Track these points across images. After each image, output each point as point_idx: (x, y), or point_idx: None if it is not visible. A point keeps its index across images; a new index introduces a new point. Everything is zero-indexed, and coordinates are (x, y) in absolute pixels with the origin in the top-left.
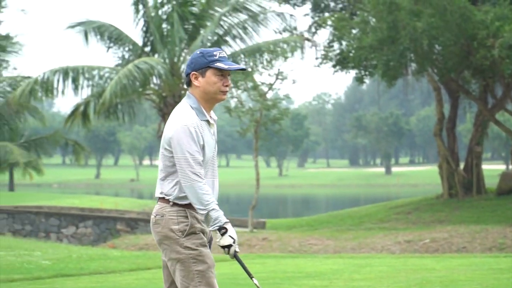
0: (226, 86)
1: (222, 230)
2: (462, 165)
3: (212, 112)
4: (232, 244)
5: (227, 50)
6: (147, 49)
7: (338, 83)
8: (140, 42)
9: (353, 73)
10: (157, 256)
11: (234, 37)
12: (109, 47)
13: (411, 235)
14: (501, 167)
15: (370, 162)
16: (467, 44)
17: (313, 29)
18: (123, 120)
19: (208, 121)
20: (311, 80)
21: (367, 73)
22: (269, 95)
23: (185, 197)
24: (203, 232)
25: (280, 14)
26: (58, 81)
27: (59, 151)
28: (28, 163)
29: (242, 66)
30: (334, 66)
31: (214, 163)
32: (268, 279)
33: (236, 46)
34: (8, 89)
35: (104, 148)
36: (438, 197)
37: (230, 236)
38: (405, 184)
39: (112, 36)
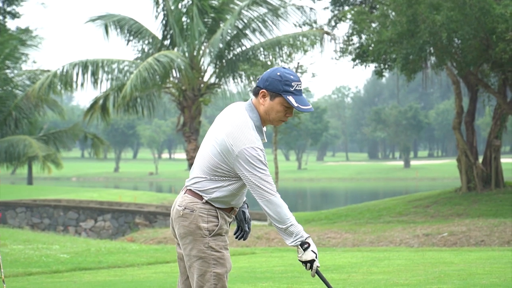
0: (288, 117)
1: (305, 245)
2: (480, 159)
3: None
4: (315, 259)
5: (246, 44)
6: (167, 42)
7: (358, 77)
8: (159, 36)
9: (372, 66)
10: (175, 250)
11: (253, 31)
12: (128, 41)
13: (430, 228)
14: None
15: (389, 156)
16: (486, 37)
17: (332, 23)
18: (142, 113)
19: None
20: (330, 73)
21: (386, 66)
22: None
23: (222, 202)
24: (227, 232)
25: (300, 8)
26: (77, 74)
27: (78, 145)
28: (47, 157)
29: (311, 108)
30: (353, 59)
31: None
32: (286, 273)
33: (255, 39)
34: (28, 82)
35: (123, 142)
36: (457, 191)
37: (312, 251)
38: (423, 177)
39: (132, 29)
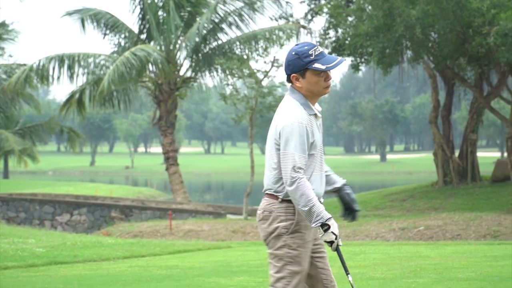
0: (329, 80)
1: (325, 227)
2: (457, 153)
3: (316, 104)
4: (334, 240)
5: (222, 38)
6: (143, 36)
7: (334, 71)
8: (136, 30)
9: (348, 60)
10: (151, 244)
11: (230, 25)
12: (105, 34)
13: (406, 222)
14: (496, 154)
15: (365, 150)
16: (463, 31)
17: (309, 17)
18: (118, 107)
19: (315, 115)
20: None
21: (362, 60)
22: (265, 82)
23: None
24: (308, 228)
25: (276, 1)
26: (53, 68)
27: (54, 139)
28: (23, 151)
29: (340, 59)
30: (330, 53)
31: (322, 156)
32: (262, 266)
33: (232, 33)
34: (4, 76)
35: (99, 136)
36: (433, 185)
37: (332, 232)
38: (400, 171)
39: (108, 23)
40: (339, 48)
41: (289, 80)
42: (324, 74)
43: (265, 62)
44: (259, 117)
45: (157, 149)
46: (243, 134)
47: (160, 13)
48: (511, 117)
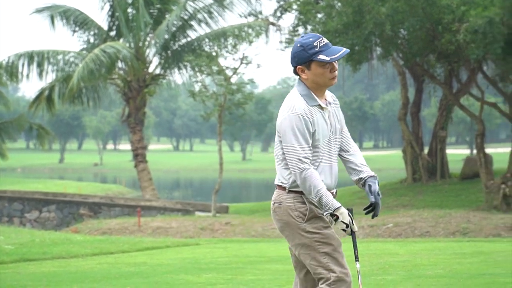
0: (334, 71)
1: (334, 217)
2: (426, 150)
3: (328, 94)
4: (345, 229)
5: (192, 35)
6: (113, 33)
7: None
8: (105, 27)
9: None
10: (119, 241)
11: (199, 22)
12: (74, 31)
13: (375, 219)
14: (466, 151)
15: None
16: (433, 28)
17: (278, 13)
18: (87, 104)
19: (319, 106)
20: (275, 64)
21: None
22: (234, 79)
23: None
24: (321, 213)
25: None
26: (23, 65)
27: (23, 136)
28: None
29: (345, 50)
30: None
31: (331, 147)
32: (230, 264)
33: (201, 30)
34: None
35: (68, 133)
36: (402, 182)
37: (342, 221)
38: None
39: (78, 20)
40: None
41: (295, 72)
42: (329, 65)
43: (234, 59)
44: (228, 114)
45: (126, 146)
46: (212, 131)
47: (129, 10)
48: (480, 114)
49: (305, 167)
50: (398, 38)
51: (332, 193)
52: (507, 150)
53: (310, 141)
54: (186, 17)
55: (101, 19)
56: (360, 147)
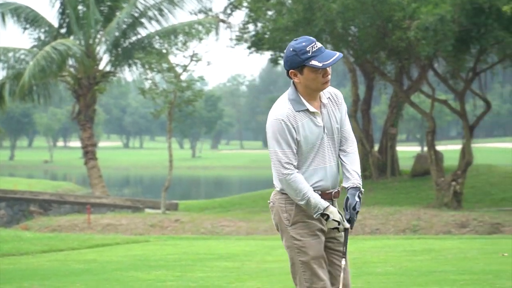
0: (327, 76)
1: (325, 217)
2: (376, 147)
3: (325, 94)
4: (338, 226)
5: (142, 32)
6: (63, 31)
7: (253, 65)
8: (56, 24)
9: (268, 54)
10: (69, 238)
11: (149, 19)
12: (25, 29)
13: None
14: (416, 149)
15: None
16: (383, 25)
17: (228, 11)
18: (38, 101)
19: (307, 110)
20: (225, 61)
21: (282, 54)
22: (184, 76)
23: None
24: (313, 218)
25: None
26: None
27: None
28: None
29: (338, 55)
30: (249, 47)
31: (325, 149)
32: (180, 261)
33: (151, 28)
34: None
35: (18, 130)
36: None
37: (333, 220)
38: None
39: (29, 17)
40: (258, 42)
41: (288, 76)
42: (322, 71)
43: (184, 56)
44: (178, 111)
45: (76, 143)
46: (162, 128)
47: (80, 7)
48: (431, 111)
49: (288, 173)
50: (348, 35)
51: (330, 192)
52: (458, 147)
53: (294, 146)
54: (136, 15)
55: (52, 16)
56: None
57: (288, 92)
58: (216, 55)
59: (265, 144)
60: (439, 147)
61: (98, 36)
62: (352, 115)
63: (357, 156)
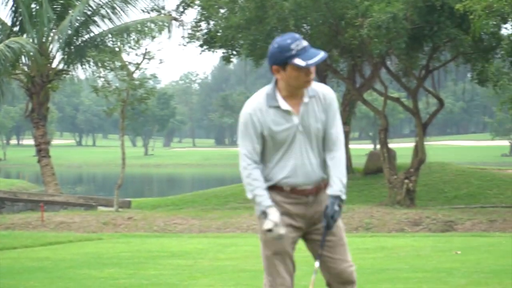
0: (310, 74)
1: (264, 215)
2: None
3: (308, 92)
4: (272, 228)
5: (95, 30)
6: (16, 29)
7: (206, 63)
8: (9, 22)
9: (220, 52)
10: (22, 236)
11: (102, 17)
12: None
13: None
14: (369, 146)
15: (236, 142)
16: (336, 23)
17: (181, 9)
18: None
19: (278, 107)
20: (178, 59)
21: (234, 52)
22: (136, 74)
23: (265, 179)
24: (282, 214)
25: None
26: None
27: None
28: None
29: (322, 55)
30: (201, 45)
31: (295, 147)
32: (133, 259)
33: (104, 26)
34: None
35: None
36: None
37: (270, 220)
38: None
39: None
40: (210, 40)
41: (271, 71)
42: (305, 69)
43: (136, 54)
44: (131, 109)
45: (29, 141)
46: (115, 126)
47: (33, 5)
48: (384, 109)
49: (244, 166)
50: (301, 33)
51: (304, 190)
52: (411, 145)
53: (256, 141)
54: (89, 13)
55: (5, 14)
56: None
57: (268, 86)
58: (169, 53)
59: (218, 142)
60: (392, 145)
61: (51, 34)
62: None
63: (342, 161)
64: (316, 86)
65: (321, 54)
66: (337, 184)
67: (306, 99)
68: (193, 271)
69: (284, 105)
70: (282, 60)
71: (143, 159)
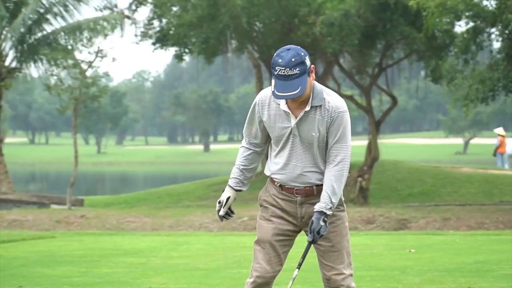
0: (293, 100)
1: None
2: None
3: (314, 102)
4: (217, 205)
5: (47, 28)
6: None
7: (158, 61)
8: None
9: (172, 50)
10: None
11: (55, 15)
12: None
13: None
14: None
15: (188, 140)
16: (288, 21)
17: (133, 7)
18: None
19: (279, 105)
20: (130, 58)
21: (186, 50)
22: (89, 73)
23: (266, 169)
24: (274, 205)
25: None
26: None
27: None
28: None
29: (292, 94)
30: (154, 43)
31: (289, 148)
32: (86, 257)
33: (57, 24)
34: None
35: None
36: (257, 174)
37: (219, 200)
38: (223, 161)
39: None
40: (163, 38)
41: None
42: None
43: (89, 52)
44: (83, 107)
45: None
46: (67, 125)
47: None
48: None
49: (241, 144)
50: (253, 31)
51: (292, 188)
52: (364, 143)
53: (257, 126)
54: (42, 11)
55: None
56: (215, 140)
57: None
58: (121, 51)
59: (171, 140)
60: None
61: (4, 32)
62: None
63: (338, 178)
64: (330, 97)
65: (294, 92)
66: (325, 200)
67: (308, 108)
68: (146, 269)
69: (284, 105)
70: (272, 71)
71: (96, 157)
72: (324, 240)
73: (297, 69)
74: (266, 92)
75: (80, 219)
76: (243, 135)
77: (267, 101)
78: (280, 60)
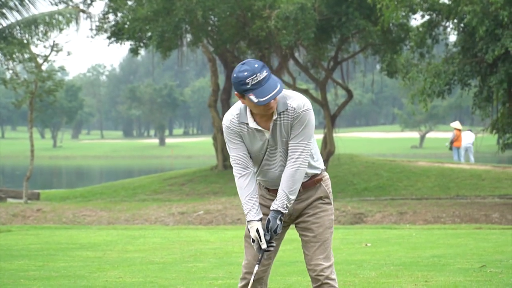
0: (269, 108)
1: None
2: None
3: (279, 108)
4: (254, 239)
5: (3, 22)
6: None
7: (114, 55)
8: None
9: (128, 44)
10: None
11: (10, 9)
12: None
13: (185, 206)
14: None
15: (144, 134)
16: (243, 15)
17: (88, 1)
18: None
19: (247, 124)
20: (86, 52)
21: (142, 44)
22: (44, 66)
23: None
24: (263, 205)
25: None
26: None
27: None
28: None
29: (276, 92)
30: (109, 37)
31: (268, 158)
32: (42, 250)
33: (12, 18)
34: None
35: None
36: (213, 169)
37: (251, 234)
38: (179, 155)
39: None
40: (118, 33)
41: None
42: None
43: (45, 46)
44: (39, 101)
45: None
46: (23, 118)
47: None
48: None
49: (235, 174)
50: (208, 25)
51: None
52: (320, 136)
53: (241, 146)
54: None
55: None
56: (170, 134)
57: (240, 104)
58: (77, 45)
59: (126, 134)
60: None
61: None
62: (211, 105)
63: (293, 175)
64: (290, 100)
65: (276, 90)
66: (281, 199)
67: (275, 116)
68: (102, 262)
69: (253, 123)
70: (240, 91)
71: (51, 151)
72: (307, 230)
73: (264, 71)
74: (230, 117)
75: (36, 213)
76: (233, 166)
77: (237, 124)
78: (245, 73)
